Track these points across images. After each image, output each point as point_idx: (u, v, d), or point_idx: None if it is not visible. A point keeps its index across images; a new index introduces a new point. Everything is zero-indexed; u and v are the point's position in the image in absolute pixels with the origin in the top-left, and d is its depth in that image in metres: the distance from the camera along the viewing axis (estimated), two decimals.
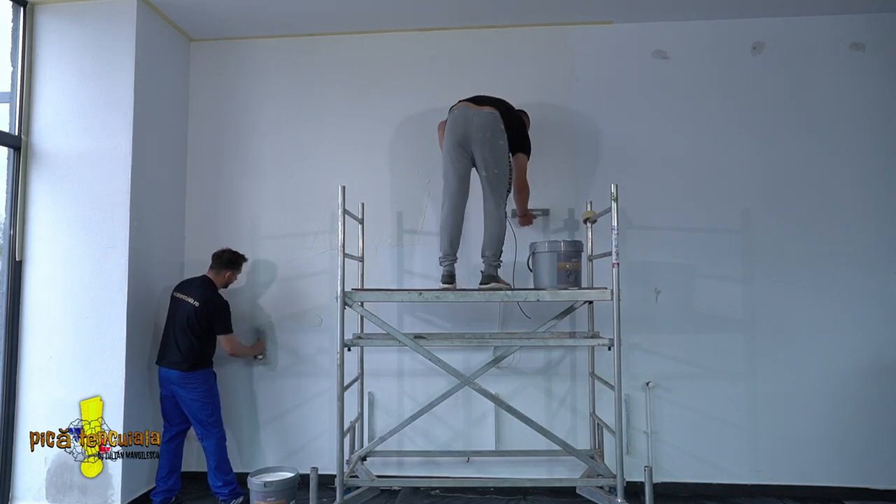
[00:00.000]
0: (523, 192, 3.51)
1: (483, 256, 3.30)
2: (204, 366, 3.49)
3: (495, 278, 3.28)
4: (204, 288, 3.52)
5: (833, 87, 3.80)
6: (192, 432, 3.57)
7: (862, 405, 3.66)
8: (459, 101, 3.36)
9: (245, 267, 3.80)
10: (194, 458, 3.85)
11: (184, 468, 3.64)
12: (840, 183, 3.76)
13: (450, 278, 3.33)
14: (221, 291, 3.63)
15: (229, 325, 3.55)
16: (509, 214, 3.48)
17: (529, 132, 3.55)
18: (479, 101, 3.33)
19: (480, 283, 3.30)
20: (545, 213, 3.87)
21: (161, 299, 3.80)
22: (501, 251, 3.32)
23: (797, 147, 3.80)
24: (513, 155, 3.39)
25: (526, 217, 3.74)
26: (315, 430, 3.94)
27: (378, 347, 3.82)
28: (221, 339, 3.54)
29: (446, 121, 3.38)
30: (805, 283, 3.73)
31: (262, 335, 3.95)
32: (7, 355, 3.47)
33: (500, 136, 3.23)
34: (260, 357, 3.91)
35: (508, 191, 3.35)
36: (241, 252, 3.72)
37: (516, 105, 3.53)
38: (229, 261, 3.62)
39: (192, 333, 3.41)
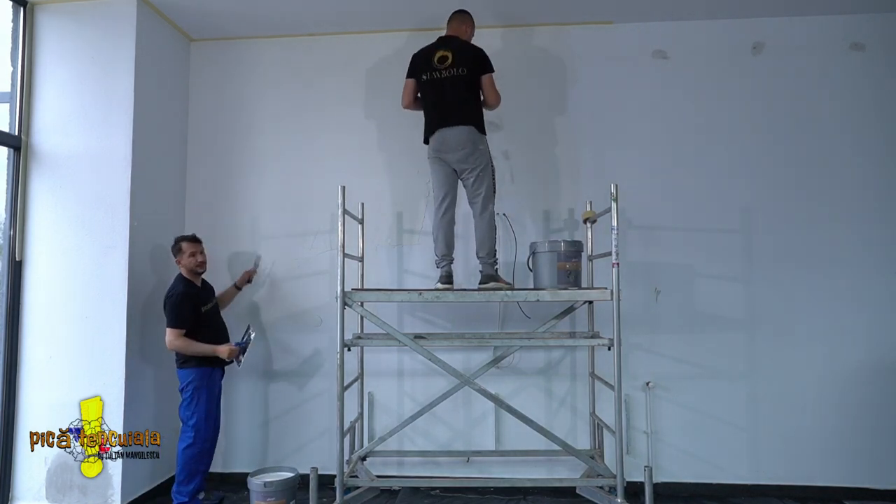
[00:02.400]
0: (497, 101, 3.40)
1: (478, 257, 3.32)
2: (196, 362, 3.35)
3: (494, 278, 3.29)
4: (169, 284, 3.44)
5: (833, 87, 3.80)
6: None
7: (862, 405, 3.66)
8: (433, 126, 3.32)
9: (195, 245, 3.50)
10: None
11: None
12: (840, 183, 3.76)
13: (447, 279, 3.34)
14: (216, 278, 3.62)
15: (173, 318, 3.28)
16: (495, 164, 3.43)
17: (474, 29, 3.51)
18: (449, 118, 3.27)
19: (480, 283, 3.30)
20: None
21: (161, 299, 3.79)
22: (496, 249, 3.33)
23: (797, 147, 3.80)
24: (481, 78, 3.33)
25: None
26: (315, 430, 3.94)
27: (378, 347, 3.82)
28: (166, 332, 3.32)
29: (409, 99, 3.44)
30: (805, 283, 3.74)
31: (248, 335, 3.55)
32: (7, 355, 3.47)
33: (478, 143, 3.27)
34: (233, 360, 3.48)
35: (494, 191, 3.36)
36: (181, 235, 3.55)
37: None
38: (171, 250, 3.48)
39: None
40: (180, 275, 3.45)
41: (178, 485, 3.33)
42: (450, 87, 3.28)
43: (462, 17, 3.48)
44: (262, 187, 4.09)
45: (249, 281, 3.88)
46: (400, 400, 3.91)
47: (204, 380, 3.38)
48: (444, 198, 3.36)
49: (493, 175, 3.36)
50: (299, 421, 3.95)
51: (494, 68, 3.37)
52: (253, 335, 3.54)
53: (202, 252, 3.51)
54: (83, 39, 3.61)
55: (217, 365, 3.46)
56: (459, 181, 3.41)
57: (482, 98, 3.38)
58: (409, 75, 3.44)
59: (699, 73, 3.89)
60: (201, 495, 3.51)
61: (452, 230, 3.40)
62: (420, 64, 3.38)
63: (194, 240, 3.51)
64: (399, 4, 3.75)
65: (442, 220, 3.36)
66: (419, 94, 3.44)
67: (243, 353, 3.47)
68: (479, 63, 3.33)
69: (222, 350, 3.40)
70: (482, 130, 3.31)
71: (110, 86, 3.57)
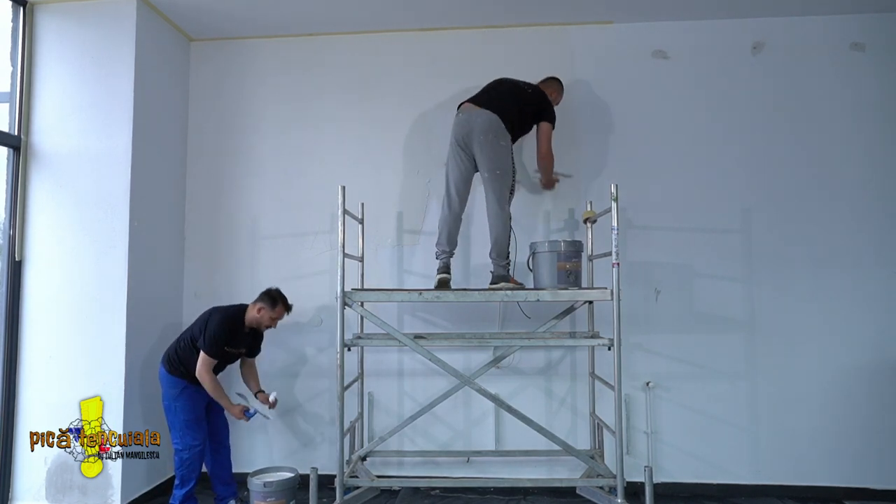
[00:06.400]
0: (547, 159, 3.55)
1: (490, 258, 3.32)
2: (169, 368, 3.28)
3: (506, 278, 3.30)
4: (231, 306, 3.38)
5: (833, 87, 3.80)
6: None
7: (861, 405, 3.66)
8: (466, 101, 3.39)
9: (285, 316, 3.45)
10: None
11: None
12: (840, 183, 3.76)
13: (445, 269, 3.35)
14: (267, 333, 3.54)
15: (208, 341, 3.20)
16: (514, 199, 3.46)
17: (560, 99, 3.69)
18: (481, 101, 3.34)
19: (491, 284, 3.31)
20: (568, 176, 3.83)
21: (161, 299, 3.80)
22: (508, 251, 3.33)
23: (797, 147, 3.80)
24: (537, 125, 3.48)
25: (550, 183, 3.74)
26: (315, 430, 3.94)
27: (378, 347, 3.82)
28: (199, 355, 3.22)
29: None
30: (805, 282, 3.73)
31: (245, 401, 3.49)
32: (7, 355, 3.47)
33: (501, 137, 3.25)
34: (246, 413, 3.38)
35: (512, 192, 3.37)
36: (287, 300, 3.42)
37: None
38: (265, 294, 3.37)
39: (185, 330, 3.34)
40: (243, 311, 3.37)
41: (174, 488, 3.33)
42: (507, 87, 3.40)
43: (554, 80, 3.71)
44: (262, 187, 4.09)
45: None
46: (400, 400, 3.91)
47: (178, 389, 3.27)
48: (457, 194, 3.35)
49: (514, 178, 3.36)
50: (299, 421, 3.95)
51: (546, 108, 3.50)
52: (269, 417, 3.52)
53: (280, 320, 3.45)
54: (83, 39, 3.60)
55: (195, 381, 3.29)
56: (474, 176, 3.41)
57: (538, 150, 3.54)
58: None
59: (699, 73, 3.89)
60: (231, 503, 3.49)
61: (458, 227, 3.41)
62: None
63: (289, 310, 3.45)
64: (399, 5, 3.75)
65: (450, 216, 3.37)
66: None
67: (247, 419, 3.40)
68: (544, 103, 3.46)
69: (235, 411, 3.32)
70: (509, 130, 3.29)
71: (110, 86, 3.57)
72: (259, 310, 3.36)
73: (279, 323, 3.49)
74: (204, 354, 3.21)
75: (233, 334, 3.31)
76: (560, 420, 3.81)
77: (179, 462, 3.29)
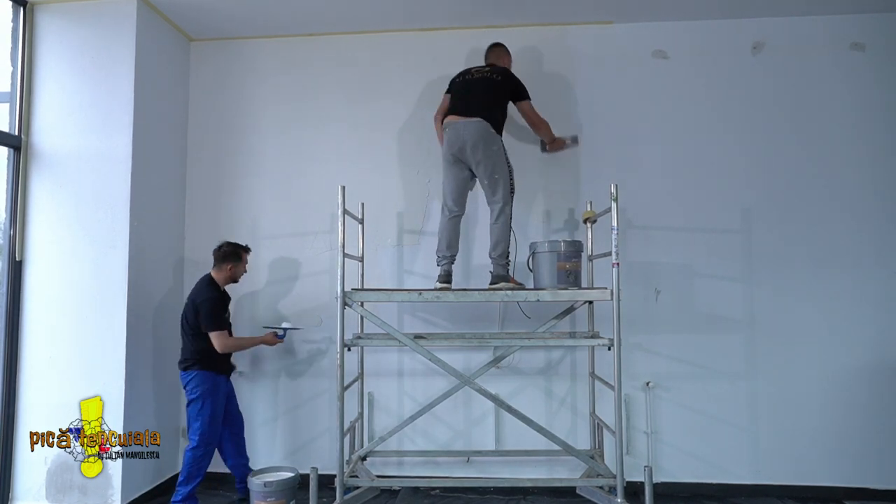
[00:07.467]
0: (541, 126, 3.59)
1: (490, 258, 3.33)
2: (200, 366, 3.34)
3: (505, 278, 3.31)
4: (199, 285, 3.45)
5: (833, 88, 3.80)
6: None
7: (861, 405, 3.66)
8: (448, 115, 3.40)
9: (251, 258, 3.64)
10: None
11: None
12: (840, 183, 3.76)
13: (446, 277, 3.36)
14: (232, 287, 3.61)
15: (212, 320, 3.32)
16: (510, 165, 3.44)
17: (510, 62, 3.65)
18: (462, 109, 3.34)
19: (490, 284, 3.31)
20: (575, 139, 3.81)
21: (161, 299, 3.80)
22: (508, 251, 3.34)
23: (797, 147, 3.80)
24: (516, 103, 3.49)
25: (555, 143, 3.73)
26: (315, 430, 3.94)
27: (378, 347, 3.82)
28: (210, 337, 3.34)
29: (441, 113, 3.53)
30: (805, 283, 3.74)
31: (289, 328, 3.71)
32: (7, 355, 3.47)
33: (493, 142, 3.28)
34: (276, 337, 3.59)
35: (513, 190, 3.38)
36: (241, 244, 3.57)
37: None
38: (227, 254, 3.47)
39: (184, 331, 3.39)
40: (211, 279, 3.46)
41: (178, 484, 3.34)
42: (479, 85, 3.39)
43: (500, 49, 3.63)
44: (262, 187, 4.09)
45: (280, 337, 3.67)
46: (400, 400, 3.91)
47: (208, 384, 3.35)
48: (454, 204, 3.39)
49: (511, 176, 3.38)
50: (299, 421, 3.96)
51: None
52: (299, 328, 3.81)
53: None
54: (83, 39, 3.60)
55: (221, 372, 3.44)
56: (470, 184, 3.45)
57: (531, 125, 3.58)
58: (446, 91, 3.55)
59: (699, 73, 3.89)
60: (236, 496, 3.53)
61: (457, 234, 3.43)
62: (457, 76, 3.52)
63: (249, 251, 3.63)
64: (398, 5, 3.75)
65: (448, 224, 3.39)
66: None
67: (281, 339, 3.63)
68: (515, 84, 3.45)
69: (268, 339, 3.58)
70: (498, 131, 3.32)
71: (110, 86, 3.57)
72: (230, 269, 3.50)
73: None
74: (215, 333, 3.34)
75: (223, 302, 3.49)
76: (560, 420, 3.81)
77: (192, 458, 3.30)
